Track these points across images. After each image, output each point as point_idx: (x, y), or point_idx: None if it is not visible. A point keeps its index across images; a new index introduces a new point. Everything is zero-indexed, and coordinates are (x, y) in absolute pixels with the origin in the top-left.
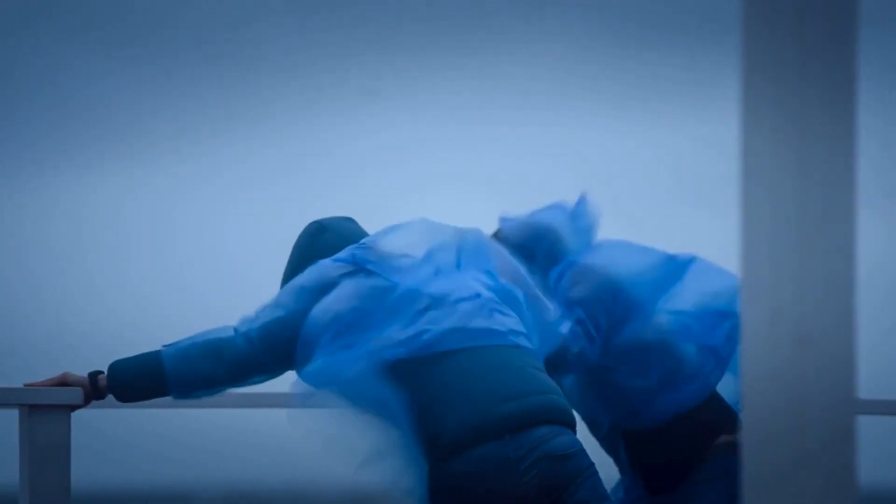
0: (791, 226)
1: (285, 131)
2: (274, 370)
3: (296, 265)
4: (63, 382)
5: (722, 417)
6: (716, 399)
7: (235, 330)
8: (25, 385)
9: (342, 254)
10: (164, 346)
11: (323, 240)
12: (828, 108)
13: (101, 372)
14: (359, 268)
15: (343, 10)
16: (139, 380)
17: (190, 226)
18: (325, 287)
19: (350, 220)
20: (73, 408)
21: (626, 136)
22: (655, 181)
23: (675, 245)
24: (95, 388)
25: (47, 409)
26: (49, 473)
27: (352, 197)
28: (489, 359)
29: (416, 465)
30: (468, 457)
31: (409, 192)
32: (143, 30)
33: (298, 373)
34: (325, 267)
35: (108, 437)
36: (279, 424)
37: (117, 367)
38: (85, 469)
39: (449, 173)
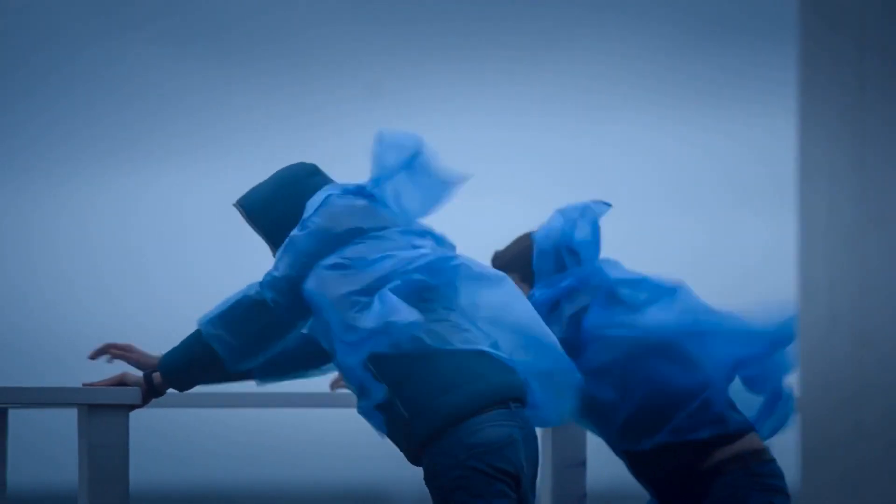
0: (849, 227)
1: (289, 133)
2: (301, 316)
3: (289, 203)
4: (121, 382)
5: (722, 432)
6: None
7: (261, 284)
8: (84, 385)
9: (351, 186)
10: (199, 321)
11: (315, 182)
12: (887, 110)
13: (156, 370)
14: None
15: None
16: (192, 364)
17: (198, 223)
18: (336, 225)
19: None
20: (132, 407)
21: (675, 137)
22: (705, 184)
23: (728, 247)
24: (152, 386)
25: (106, 409)
26: (107, 472)
27: None
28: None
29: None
30: (490, 418)
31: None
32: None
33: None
34: (336, 207)
35: (165, 437)
36: (337, 424)
37: (167, 360)
38: (143, 468)
39: (484, 180)
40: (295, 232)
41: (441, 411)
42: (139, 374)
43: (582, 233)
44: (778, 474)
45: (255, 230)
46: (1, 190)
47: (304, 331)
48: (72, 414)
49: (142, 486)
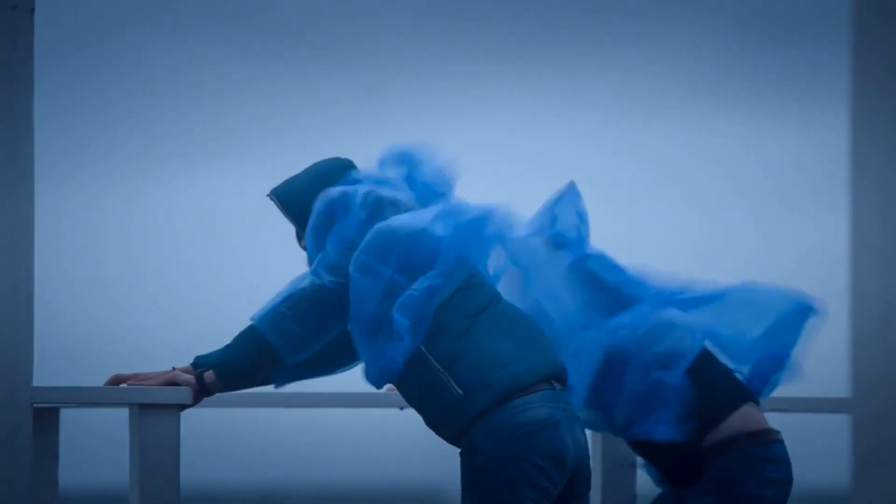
0: None
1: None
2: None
3: (318, 194)
4: (172, 382)
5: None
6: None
7: (313, 272)
8: (130, 384)
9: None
10: (251, 318)
11: (350, 177)
12: None
13: (207, 369)
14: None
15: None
16: (248, 360)
17: (195, 223)
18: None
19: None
20: (182, 407)
21: (728, 137)
22: (758, 184)
23: (778, 247)
24: (203, 386)
25: (157, 409)
26: (158, 472)
27: None
28: (530, 319)
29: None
30: (533, 399)
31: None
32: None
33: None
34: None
35: (217, 437)
36: (387, 424)
37: (221, 358)
38: (194, 468)
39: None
40: (338, 224)
41: (497, 387)
42: (186, 373)
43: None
44: (777, 458)
45: (288, 219)
46: (57, 190)
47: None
48: (123, 414)
49: (192, 486)
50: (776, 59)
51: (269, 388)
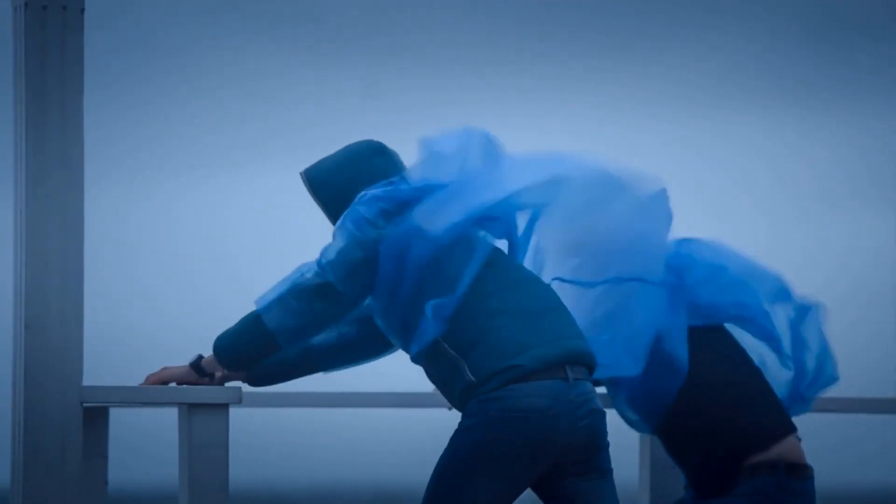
0: None
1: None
2: (361, 295)
3: (348, 176)
4: (167, 378)
5: (757, 429)
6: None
7: (318, 263)
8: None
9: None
10: (255, 303)
11: (380, 161)
12: None
13: (202, 356)
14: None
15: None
16: (246, 344)
17: (194, 223)
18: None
19: (398, 155)
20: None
21: (801, 134)
22: (829, 179)
23: (851, 245)
24: (201, 372)
25: (206, 408)
26: (207, 471)
27: None
28: (550, 297)
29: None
30: (534, 388)
31: None
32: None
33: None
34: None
35: (264, 436)
36: (435, 424)
37: (223, 341)
38: (242, 467)
39: None
40: (343, 219)
41: (506, 375)
42: (177, 366)
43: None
44: (806, 494)
45: (315, 201)
46: (105, 190)
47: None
48: (172, 413)
49: (241, 485)
50: (847, 56)
51: (319, 388)
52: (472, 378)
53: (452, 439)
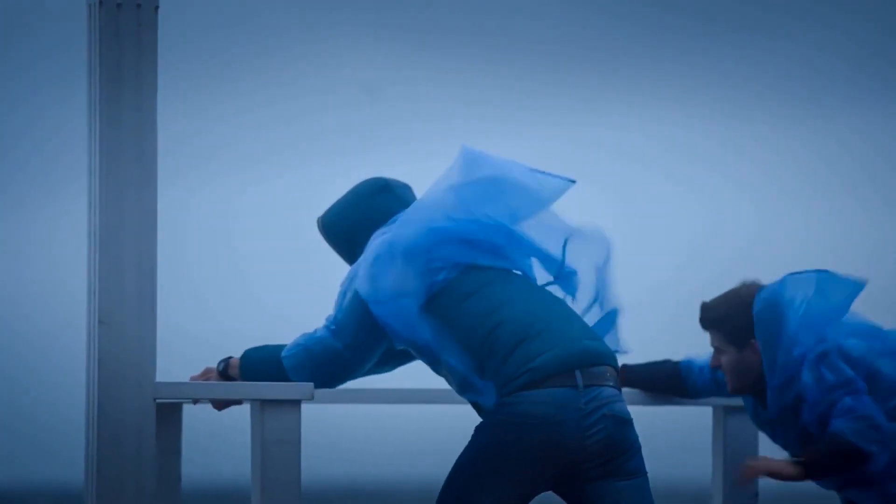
0: None
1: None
2: (371, 357)
3: (354, 218)
4: (208, 373)
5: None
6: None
7: (328, 329)
8: (192, 378)
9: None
10: (282, 355)
11: (383, 199)
12: None
13: (231, 358)
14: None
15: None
16: (269, 377)
17: (201, 225)
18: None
19: (409, 187)
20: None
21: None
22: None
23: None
24: (226, 377)
25: (279, 404)
26: (280, 466)
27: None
28: (557, 303)
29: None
30: (542, 396)
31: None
32: None
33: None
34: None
35: (336, 433)
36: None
37: (249, 366)
38: (314, 463)
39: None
40: (345, 282)
41: (514, 383)
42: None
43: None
44: None
45: (330, 246)
46: (179, 187)
47: None
48: (245, 410)
49: (312, 481)
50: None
51: (390, 384)
52: (482, 386)
53: (468, 442)
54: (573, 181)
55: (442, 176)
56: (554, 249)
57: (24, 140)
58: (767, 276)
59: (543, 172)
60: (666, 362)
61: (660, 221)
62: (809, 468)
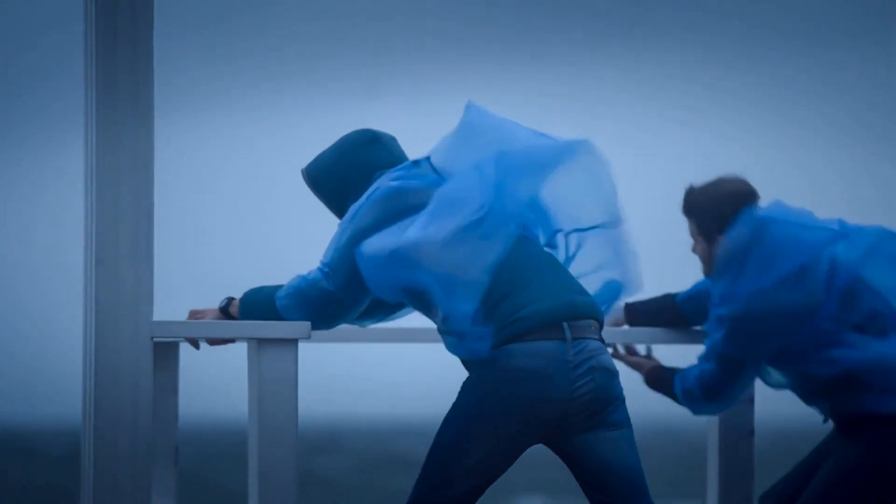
0: None
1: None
2: (363, 300)
3: (343, 170)
4: (197, 313)
5: None
6: None
7: (321, 271)
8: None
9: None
10: (276, 297)
11: (373, 150)
12: None
13: (233, 299)
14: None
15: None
16: (265, 317)
17: (265, 159)
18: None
19: (395, 140)
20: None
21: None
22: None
23: None
24: (227, 316)
25: (276, 343)
26: (277, 405)
27: None
28: (545, 256)
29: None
30: (530, 348)
31: None
32: None
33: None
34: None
35: (332, 371)
36: None
37: (247, 305)
38: (310, 401)
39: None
40: (344, 222)
41: (501, 335)
42: (208, 308)
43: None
44: None
45: (318, 198)
46: (175, 128)
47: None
48: (242, 348)
49: (309, 419)
50: None
51: (387, 323)
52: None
53: (457, 398)
54: (583, 140)
55: (448, 135)
56: (554, 213)
57: (22, 78)
58: None
59: (549, 136)
60: (665, 296)
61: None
62: (647, 381)
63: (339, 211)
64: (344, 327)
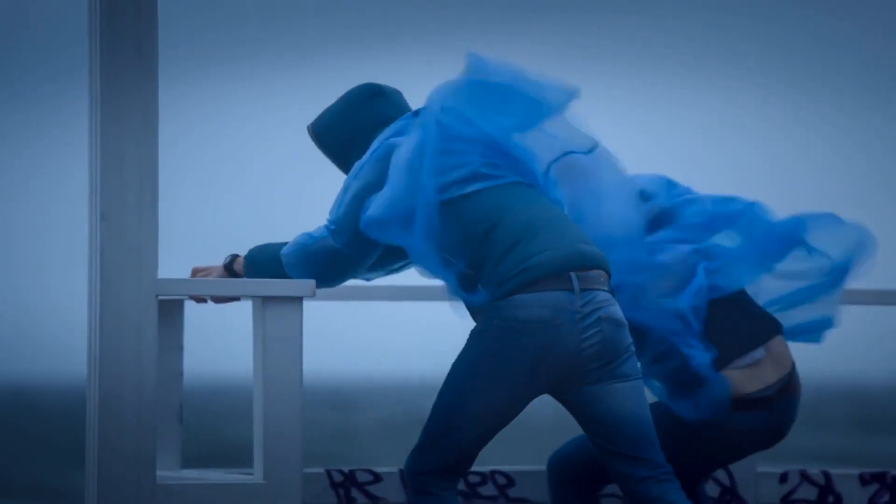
0: None
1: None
2: (369, 255)
3: (349, 125)
4: (201, 270)
5: None
6: None
7: (327, 229)
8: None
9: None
10: (281, 253)
11: (377, 104)
12: None
13: (237, 256)
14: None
15: None
16: (271, 275)
17: (269, 116)
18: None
19: (400, 93)
20: (229, 299)
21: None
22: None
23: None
24: (231, 273)
25: (280, 301)
26: (282, 363)
27: None
28: (551, 207)
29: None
30: (538, 299)
31: None
32: None
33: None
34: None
35: (337, 328)
36: None
37: (253, 262)
38: (314, 358)
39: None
40: (348, 179)
41: (510, 284)
42: (212, 266)
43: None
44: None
45: (323, 153)
46: (186, 80)
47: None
48: (246, 306)
49: (314, 376)
50: None
51: (394, 281)
52: (482, 289)
53: (464, 346)
54: (576, 90)
55: (449, 82)
56: (545, 163)
57: (26, 29)
58: None
59: (548, 80)
60: None
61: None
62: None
63: (344, 166)
64: (352, 286)
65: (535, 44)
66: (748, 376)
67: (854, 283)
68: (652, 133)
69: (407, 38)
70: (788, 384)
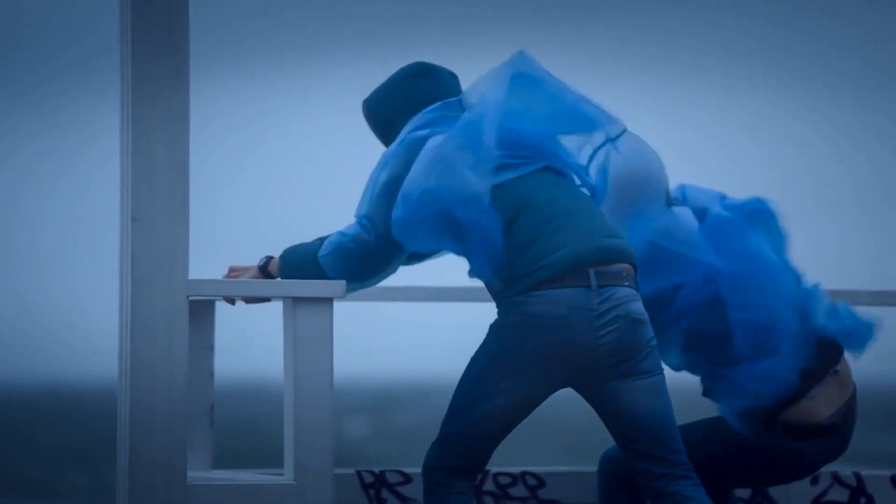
0: None
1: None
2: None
3: (392, 101)
4: (235, 270)
5: None
6: None
7: (359, 223)
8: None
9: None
10: (318, 255)
11: (420, 83)
12: None
13: (272, 257)
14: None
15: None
16: (308, 276)
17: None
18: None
19: (455, 76)
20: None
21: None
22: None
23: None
24: (266, 274)
25: (311, 302)
26: (312, 363)
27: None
28: (578, 198)
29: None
30: (553, 296)
31: None
32: None
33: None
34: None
35: (368, 329)
36: None
37: (289, 263)
38: (346, 360)
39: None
40: (374, 172)
41: (528, 280)
42: (246, 266)
43: None
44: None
45: (370, 129)
46: (217, 80)
47: None
48: (278, 307)
49: (344, 377)
50: None
51: (422, 282)
52: (499, 283)
53: (483, 341)
54: (623, 128)
55: (493, 75)
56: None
57: (58, 31)
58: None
59: (595, 104)
60: None
61: None
62: None
63: (385, 142)
64: (381, 287)
65: (535, 44)
66: (817, 405)
67: (854, 283)
68: (652, 133)
69: (436, 35)
70: (852, 407)
